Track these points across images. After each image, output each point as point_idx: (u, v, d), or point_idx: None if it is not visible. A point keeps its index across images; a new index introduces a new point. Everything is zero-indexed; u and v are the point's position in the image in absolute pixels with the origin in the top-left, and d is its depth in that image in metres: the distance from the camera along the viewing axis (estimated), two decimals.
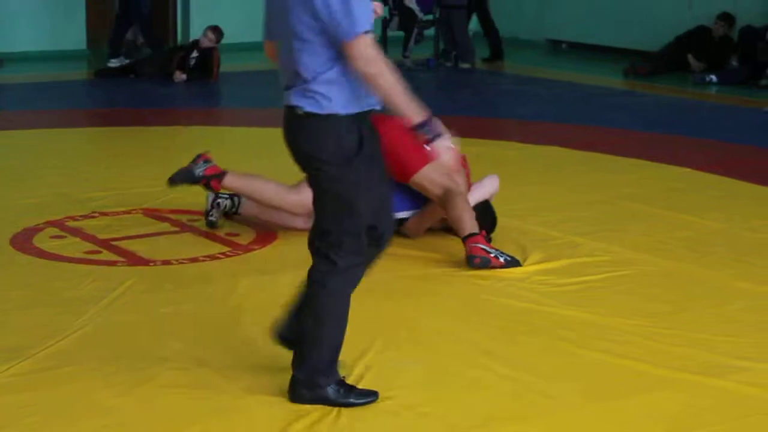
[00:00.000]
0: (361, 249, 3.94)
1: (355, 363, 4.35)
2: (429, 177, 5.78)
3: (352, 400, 4.01)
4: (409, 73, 13.64)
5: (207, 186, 5.89)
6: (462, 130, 9.21)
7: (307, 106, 3.81)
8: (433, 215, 6.01)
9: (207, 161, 5.93)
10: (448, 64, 14.16)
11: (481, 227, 5.77)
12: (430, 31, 14.31)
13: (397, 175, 5.66)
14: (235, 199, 6.10)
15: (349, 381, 4.15)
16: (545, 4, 16.32)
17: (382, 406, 4.02)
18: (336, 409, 3.96)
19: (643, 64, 13.65)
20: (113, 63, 13.08)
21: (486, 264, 5.58)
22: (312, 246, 4.01)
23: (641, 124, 10.33)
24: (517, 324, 4.95)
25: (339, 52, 3.75)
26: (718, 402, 4.15)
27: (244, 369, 4.31)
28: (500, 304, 5.21)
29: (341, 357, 4.08)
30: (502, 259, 5.61)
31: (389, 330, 4.76)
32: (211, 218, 6.13)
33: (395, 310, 5.08)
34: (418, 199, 5.96)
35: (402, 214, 5.96)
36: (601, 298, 5.30)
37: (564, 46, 16.25)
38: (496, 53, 14.60)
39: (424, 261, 5.75)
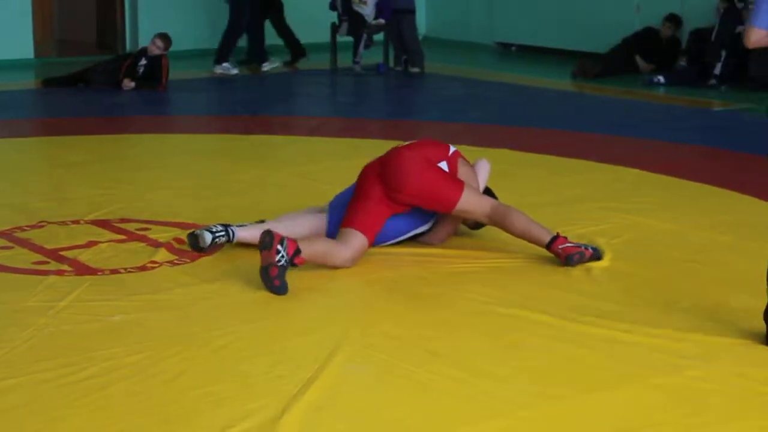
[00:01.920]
0: None
1: (305, 367, 4.36)
2: (470, 201, 5.86)
3: None
4: (358, 78, 13.67)
5: (293, 264, 5.42)
6: (412, 134, 9.29)
7: None
8: (456, 222, 6.13)
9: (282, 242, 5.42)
10: (398, 68, 14.19)
11: None
12: (379, 36, 14.32)
13: (440, 209, 5.90)
14: (230, 231, 5.89)
15: (298, 385, 4.17)
16: (494, 8, 16.40)
17: (331, 411, 4.02)
18: (282, 413, 3.96)
19: (591, 66, 13.74)
20: (266, 66, 13.72)
21: (583, 258, 5.78)
22: None
23: (589, 125, 10.40)
24: (463, 325, 4.98)
25: None
26: (666, 400, 4.18)
27: (199, 376, 4.30)
28: (445, 305, 5.25)
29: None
30: (590, 249, 5.84)
31: (339, 332, 4.76)
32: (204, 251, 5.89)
33: (346, 312, 5.08)
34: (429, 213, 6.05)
35: (421, 229, 6.07)
36: (549, 297, 5.33)
37: (513, 48, 16.33)
38: (299, 52, 14.47)
39: (374, 265, 5.75)
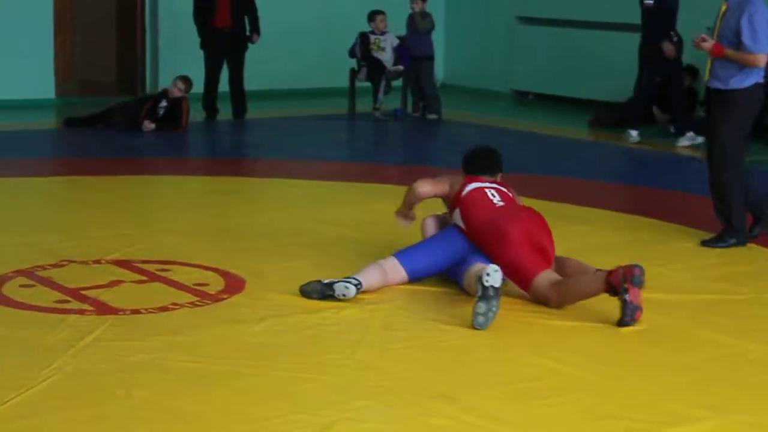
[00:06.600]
0: None
1: (321, 411, 4.39)
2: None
3: None
4: (376, 123, 13.75)
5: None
6: None
7: None
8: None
9: None
10: (416, 114, 14.26)
11: None
12: (397, 82, 14.41)
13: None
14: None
15: (315, 430, 4.19)
16: (511, 56, 16.48)
17: None
18: None
19: (608, 115, 13.78)
20: (683, 142, 12.42)
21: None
22: None
23: (606, 174, 10.44)
24: (481, 371, 5.01)
25: None
26: None
27: (218, 418, 4.33)
28: (464, 350, 5.28)
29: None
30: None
31: (356, 378, 4.80)
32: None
33: (360, 356, 5.11)
34: None
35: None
36: (566, 347, 5.35)
37: (530, 97, 16.40)
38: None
39: (388, 310, 5.79)
